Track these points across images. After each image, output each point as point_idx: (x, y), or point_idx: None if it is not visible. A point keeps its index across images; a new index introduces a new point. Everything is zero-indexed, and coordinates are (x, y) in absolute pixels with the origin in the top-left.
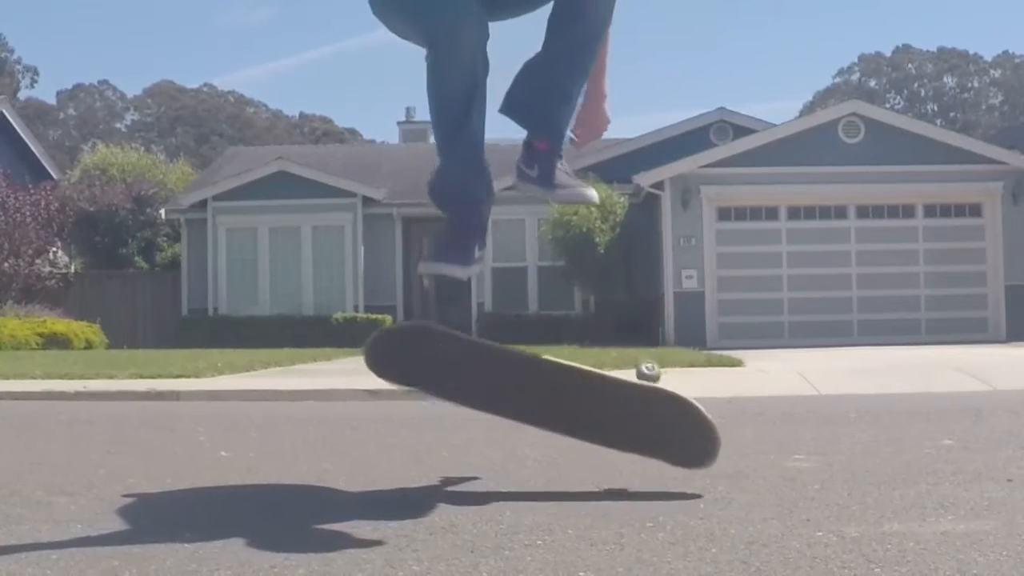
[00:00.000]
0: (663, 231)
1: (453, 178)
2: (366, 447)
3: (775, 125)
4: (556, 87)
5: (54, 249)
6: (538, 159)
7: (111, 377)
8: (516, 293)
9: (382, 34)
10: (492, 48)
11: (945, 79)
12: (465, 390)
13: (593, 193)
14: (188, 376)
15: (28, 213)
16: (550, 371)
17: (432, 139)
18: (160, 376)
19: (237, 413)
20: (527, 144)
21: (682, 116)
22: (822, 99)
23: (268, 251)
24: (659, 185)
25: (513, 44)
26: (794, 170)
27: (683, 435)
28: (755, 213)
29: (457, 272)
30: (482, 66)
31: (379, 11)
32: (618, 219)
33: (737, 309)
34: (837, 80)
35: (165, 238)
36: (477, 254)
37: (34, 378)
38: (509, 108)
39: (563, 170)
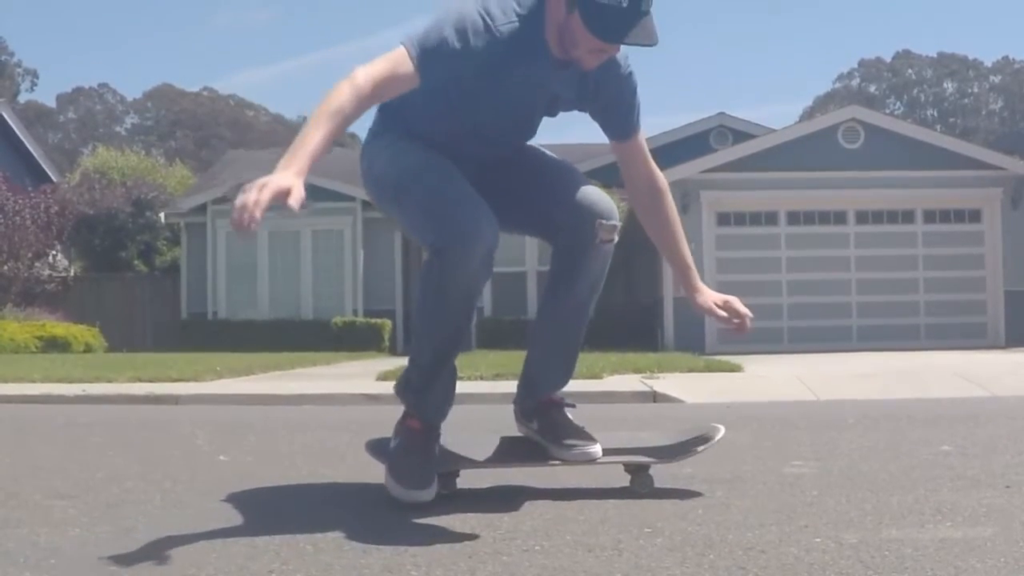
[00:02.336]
0: None
1: (431, 409)
2: (365, 452)
3: (775, 130)
4: (570, 348)
5: (53, 252)
6: (538, 415)
7: (110, 380)
8: (515, 298)
9: (382, 37)
10: None
11: (945, 84)
12: None
13: (596, 451)
14: (187, 380)
15: (28, 216)
16: None
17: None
18: (159, 380)
19: (236, 417)
20: (539, 404)
21: (681, 121)
22: (822, 104)
23: (267, 255)
24: None
25: None
26: (794, 175)
27: None
28: (755, 218)
29: (424, 497)
30: (488, 272)
31: (379, 205)
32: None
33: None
34: (837, 85)
35: (165, 241)
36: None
37: (33, 381)
38: (528, 399)
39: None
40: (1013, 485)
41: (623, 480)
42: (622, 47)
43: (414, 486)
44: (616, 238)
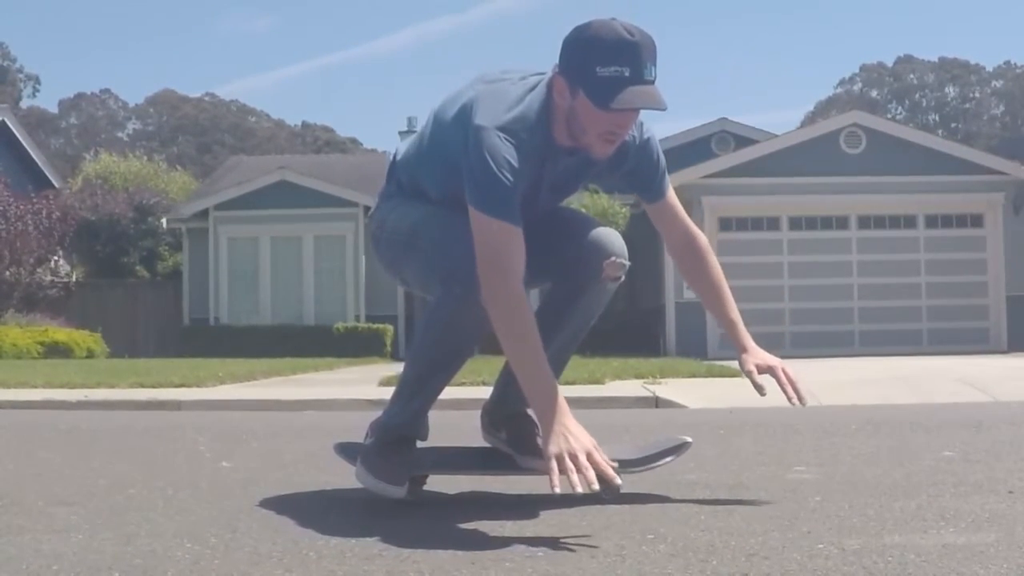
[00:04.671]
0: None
1: (414, 423)
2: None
3: (776, 135)
4: (553, 368)
5: (55, 258)
6: (507, 425)
7: (112, 386)
8: None
9: (383, 43)
10: None
11: (947, 89)
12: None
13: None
14: (189, 386)
15: (30, 222)
16: None
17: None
18: (161, 386)
19: (238, 423)
20: (510, 415)
21: (683, 126)
22: (823, 109)
23: (269, 260)
24: None
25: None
26: (796, 180)
27: None
28: (756, 223)
29: (395, 493)
30: None
31: (390, 259)
32: (620, 229)
33: None
34: (838, 90)
35: (166, 247)
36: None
37: (35, 387)
38: (500, 410)
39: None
40: (1016, 491)
41: (624, 486)
42: (632, 129)
43: (389, 481)
44: (622, 277)
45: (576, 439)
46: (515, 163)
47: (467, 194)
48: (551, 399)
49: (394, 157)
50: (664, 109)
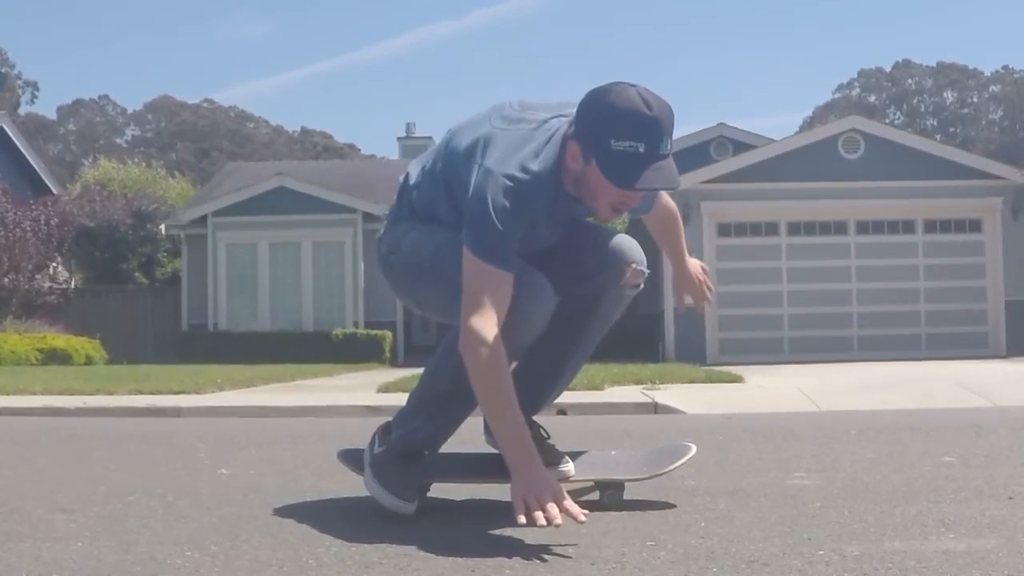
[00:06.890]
0: None
1: (434, 440)
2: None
3: (775, 140)
4: (564, 379)
5: (54, 264)
6: None
7: (111, 393)
8: None
9: (381, 49)
10: None
11: (945, 94)
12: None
13: (568, 469)
14: (188, 392)
15: (28, 228)
16: None
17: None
18: (160, 392)
19: (237, 429)
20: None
21: (682, 131)
22: (822, 114)
23: (268, 266)
24: None
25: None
26: (794, 185)
27: None
28: (755, 228)
29: (406, 509)
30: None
31: (396, 280)
32: None
33: (737, 325)
34: (837, 95)
35: (165, 253)
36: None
37: (34, 394)
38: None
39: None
40: (1016, 496)
41: (627, 494)
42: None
43: (402, 497)
44: (641, 285)
45: (543, 483)
46: (514, 212)
47: (463, 232)
48: (521, 446)
49: (405, 179)
50: (677, 187)
